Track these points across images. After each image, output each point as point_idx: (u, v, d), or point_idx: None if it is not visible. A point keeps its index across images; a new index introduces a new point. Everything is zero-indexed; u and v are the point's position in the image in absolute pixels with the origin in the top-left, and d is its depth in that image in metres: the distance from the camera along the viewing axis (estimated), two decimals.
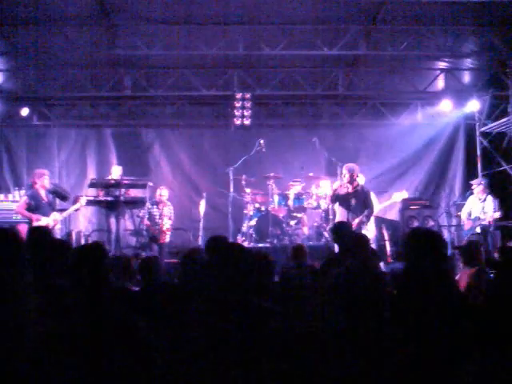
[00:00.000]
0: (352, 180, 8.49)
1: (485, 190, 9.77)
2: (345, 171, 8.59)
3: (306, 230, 10.61)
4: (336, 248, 6.73)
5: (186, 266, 4.13)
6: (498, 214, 9.52)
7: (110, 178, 10.14)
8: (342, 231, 6.18)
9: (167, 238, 9.80)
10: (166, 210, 9.90)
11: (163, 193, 9.87)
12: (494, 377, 2.98)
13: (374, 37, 10.10)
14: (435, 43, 10.13)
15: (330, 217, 10.20)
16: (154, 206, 9.75)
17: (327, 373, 2.70)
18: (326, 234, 9.96)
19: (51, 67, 10.81)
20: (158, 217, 9.72)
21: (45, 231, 4.86)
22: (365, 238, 5.45)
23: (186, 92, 11.46)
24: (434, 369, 2.96)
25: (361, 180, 8.99)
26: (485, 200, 9.67)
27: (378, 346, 2.78)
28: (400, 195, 10.29)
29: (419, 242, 3.51)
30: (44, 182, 8.73)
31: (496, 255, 9.11)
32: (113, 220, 9.46)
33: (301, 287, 4.48)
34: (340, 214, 8.62)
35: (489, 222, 9.47)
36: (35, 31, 9.57)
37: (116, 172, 10.26)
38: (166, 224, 9.75)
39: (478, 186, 9.87)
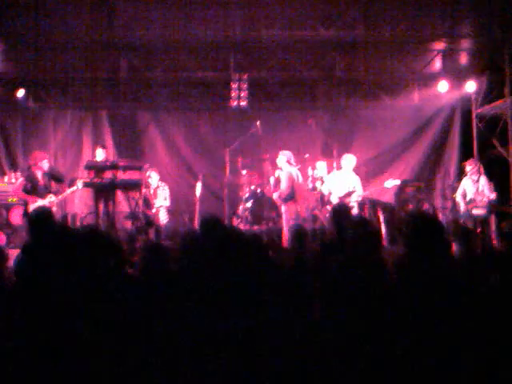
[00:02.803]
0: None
1: (478, 171, 9.77)
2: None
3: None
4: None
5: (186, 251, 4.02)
6: (493, 196, 9.51)
7: (95, 159, 9.89)
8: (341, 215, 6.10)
9: (163, 221, 9.80)
10: (159, 191, 9.89)
11: (152, 175, 9.82)
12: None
13: (372, 18, 10.05)
14: (432, 25, 10.09)
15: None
16: (146, 189, 9.72)
17: (326, 370, 2.68)
18: (322, 217, 9.97)
19: (47, 49, 10.71)
20: (149, 199, 9.69)
21: (47, 213, 4.83)
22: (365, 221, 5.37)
23: (182, 73, 11.39)
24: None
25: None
26: (478, 181, 9.67)
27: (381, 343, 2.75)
28: (392, 182, 9.85)
29: (420, 228, 3.46)
30: (42, 165, 8.74)
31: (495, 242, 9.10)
32: (102, 203, 9.32)
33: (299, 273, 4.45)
34: None
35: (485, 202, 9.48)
36: (32, 13, 9.49)
37: (100, 154, 9.87)
38: (158, 204, 9.75)
39: (470, 167, 9.85)
